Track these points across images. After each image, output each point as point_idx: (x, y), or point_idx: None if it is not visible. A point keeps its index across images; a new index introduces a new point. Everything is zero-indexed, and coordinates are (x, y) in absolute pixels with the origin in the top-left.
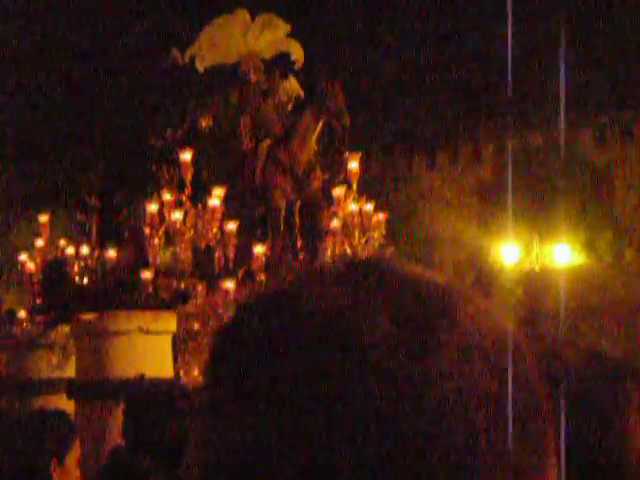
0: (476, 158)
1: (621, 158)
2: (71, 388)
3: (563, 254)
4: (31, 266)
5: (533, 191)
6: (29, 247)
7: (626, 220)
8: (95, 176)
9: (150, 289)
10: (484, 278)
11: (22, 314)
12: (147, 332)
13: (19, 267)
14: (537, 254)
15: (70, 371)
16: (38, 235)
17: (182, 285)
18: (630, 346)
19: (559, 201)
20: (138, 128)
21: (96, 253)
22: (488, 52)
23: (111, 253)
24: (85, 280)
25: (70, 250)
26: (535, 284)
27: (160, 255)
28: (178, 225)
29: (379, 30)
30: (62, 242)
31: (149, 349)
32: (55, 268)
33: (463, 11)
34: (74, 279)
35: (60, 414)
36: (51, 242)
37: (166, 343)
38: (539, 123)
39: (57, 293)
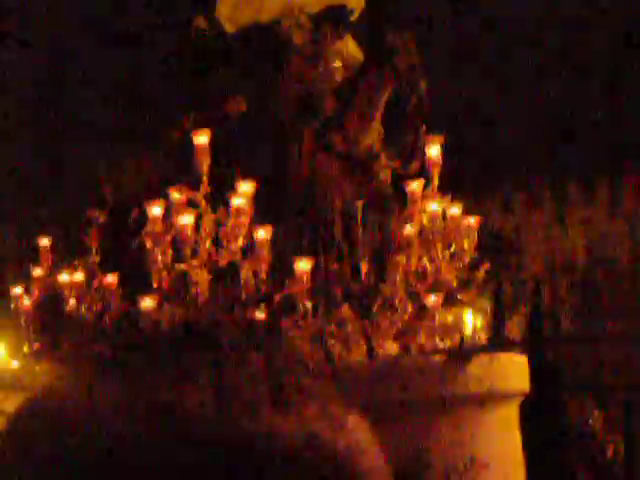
0: None
1: (527, 224)
2: None
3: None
4: (27, 301)
5: None
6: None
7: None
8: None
9: (149, 323)
10: None
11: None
12: None
13: (12, 304)
14: None
15: None
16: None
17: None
18: None
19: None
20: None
21: (95, 282)
22: None
23: (110, 279)
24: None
25: (64, 277)
26: None
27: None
28: (189, 233)
29: None
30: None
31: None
32: (49, 306)
33: None
34: (69, 318)
35: None
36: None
37: None
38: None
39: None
